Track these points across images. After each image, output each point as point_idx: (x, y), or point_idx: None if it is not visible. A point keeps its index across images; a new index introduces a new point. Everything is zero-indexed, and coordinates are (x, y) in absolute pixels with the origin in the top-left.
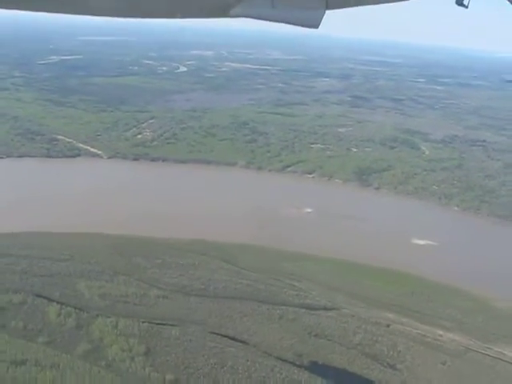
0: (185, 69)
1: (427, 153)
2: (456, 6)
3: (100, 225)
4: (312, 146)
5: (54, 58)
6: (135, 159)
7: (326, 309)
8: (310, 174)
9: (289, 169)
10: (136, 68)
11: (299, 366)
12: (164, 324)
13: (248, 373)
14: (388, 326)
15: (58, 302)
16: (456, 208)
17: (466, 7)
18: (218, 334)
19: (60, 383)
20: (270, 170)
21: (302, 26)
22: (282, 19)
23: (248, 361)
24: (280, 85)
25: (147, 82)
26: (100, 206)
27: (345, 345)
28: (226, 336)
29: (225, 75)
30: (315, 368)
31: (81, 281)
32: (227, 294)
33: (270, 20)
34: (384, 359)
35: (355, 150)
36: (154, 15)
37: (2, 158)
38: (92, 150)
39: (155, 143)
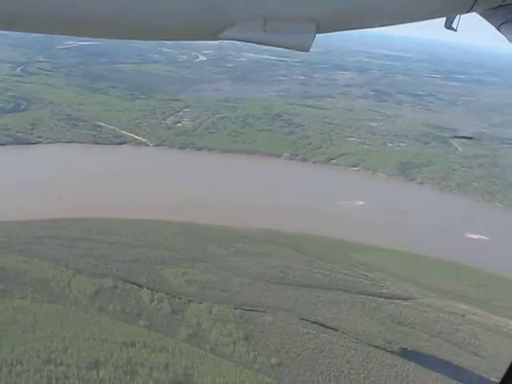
0: (204, 58)
1: (460, 150)
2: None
3: (166, 212)
4: (348, 139)
5: (72, 43)
6: (181, 148)
7: (401, 298)
8: (354, 167)
9: (333, 161)
10: (156, 56)
11: (391, 352)
12: (253, 310)
13: (346, 358)
14: (463, 315)
15: (147, 288)
16: (500, 205)
17: (455, 30)
18: (307, 320)
19: (174, 365)
20: (314, 162)
21: (293, 49)
22: (273, 43)
23: (342, 346)
24: (301, 77)
25: (171, 70)
26: (162, 194)
27: (428, 332)
28: (315, 323)
29: (246, 66)
30: (406, 354)
31: (164, 267)
32: (306, 283)
33: (261, 44)
34: (467, 347)
35: (390, 144)
36: (144, 37)
37: (51, 142)
38: (137, 137)
39: (197, 132)
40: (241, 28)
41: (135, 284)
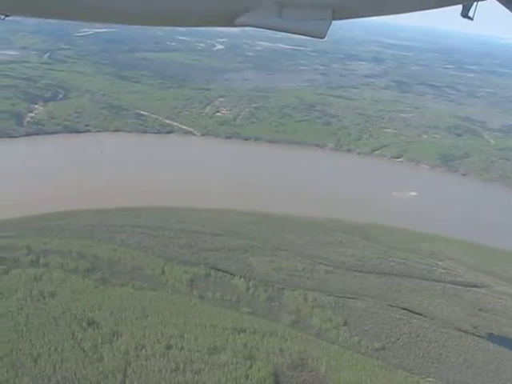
0: (221, 46)
1: (492, 142)
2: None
3: (234, 201)
4: (385, 130)
5: (88, 31)
6: (228, 137)
7: (477, 286)
8: (397, 158)
9: (376, 152)
10: (174, 44)
11: (479, 336)
12: (343, 297)
13: (441, 342)
14: None
15: (239, 276)
16: None
17: (472, 19)
18: (396, 306)
19: (287, 350)
20: (358, 153)
21: (309, 36)
22: (289, 29)
23: (435, 331)
24: (321, 67)
25: (194, 59)
26: (224, 183)
27: (510, 318)
28: (404, 309)
29: (264, 55)
30: (494, 338)
31: (248, 255)
32: (385, 271)
33: (277, 30)
34: None
35: (425, 136)
36: (158, 23)
37: (99, 131)
38: (182, 126)
39: (238, 122)
40: (256, 14)
41: (226, 272)
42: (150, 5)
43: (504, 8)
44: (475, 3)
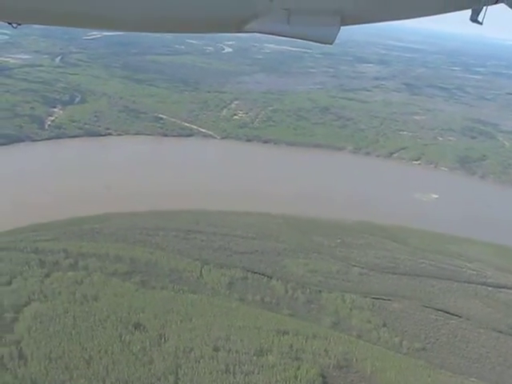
0: (230, 49)
1: (507, 144)
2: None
3: (261, 204)
4: (400, 132)
5: (96, 34)
6: (248, 140)
7: (507, 287)
8: (415, 160)
9: (394, 155)
10: (183, 47)
11: None
12: (379, 298)
13: (480, 342)
14: None
15: (276, 278)
16: None
17: (481, 24)
18: (431, 308)
19: (332, 351)
20: (377, 156)
21: (317, 42)
22: (297, 35)
23: (472, 332)
24: (330, 70)
25: (205, 62)
26: (251, 185)
27: None
28: (439, 310)
29: (273, 57)
30: None
31: (282, 258)
32: (417, 272)
33: (285, 36)
34: None
35: (441, 138)
36: (169, 30)
37: (120, 134)
38: (201, 129)
39: (256, 125)
40: (265, 20)
41: (263, 275)
42: (160, 12)
43: (507, 11)
44: (485, 8)
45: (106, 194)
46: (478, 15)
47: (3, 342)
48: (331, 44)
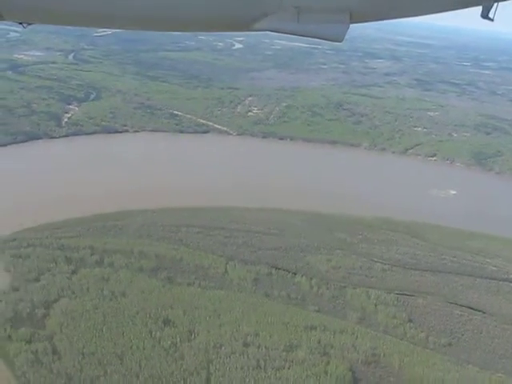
0: (240, 45)
1: None
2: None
3: (282, 200)
4: (415, 129)
5: (106, 30)
6: (264, 137)
7: None
8: (431, 157)
9: (410, 151)
10: (193, 43)
11: None
12: (403, 294)
13: (505, 338)
14: None
15: (301, 274)
16: None
17: (492, 20)
18: (455, 304)
19: (359, 346)
20: (393, 152)
21: (327, 39)
22: (307, 33)
23: (496, 327)
24: (341, 66)
25: (216, 58)
26: (271, 182)
27: None
28: (463, 306)
29: (283, 54)
30: None
31: (306, 254)
32: (439, 269)
33: (295, 34)
34: None
35: (455, 134)
36: (179, 28)
37: (137, 131)
38: (217, 126)
39: (270, 121)
40: (274, 19)
41: (287, 271)
42: (171, 11)
43: None
44: (495, 4)
45: (127, 190)
46: (488, 12)
47: (36, 337)
48: (341, 42)
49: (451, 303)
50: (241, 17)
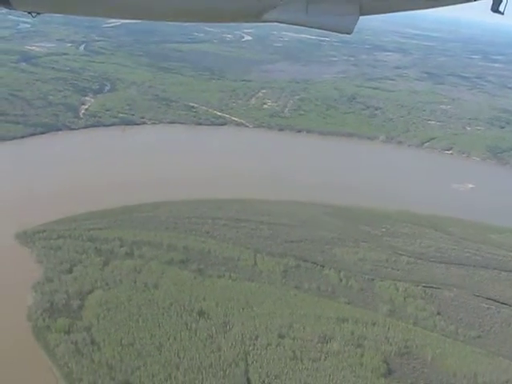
0: (249, 37)
1: None
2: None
3: (304, 193)
4: (429, 122)
5: (116, 22)
6: (280, 130)
7: None
8: (447, 150)
9: (426, 144)
10: (202, 35)
11: None
12: (430, 287)
13: None
14: None
15: (329, 267)
16: None
17: (502, 14)
18: (481, 296)
19: (392, 338)
20: (409, 146)
21: (336, 31)
22: (316, 25)
23: None
24: (351, 58)
25: (227, 50)
26: (293, 175)
27: None
28: (489, 299)
29: (292, 45)
30: None
31: (332, 247)
32: (463, 262)
33: (304, 25)
34: None
35: (469, 128)
36: (188, 18)
37: (155, 123)
38: (233, 118)
39: (286, 114)
40: (284, 10)
41: (315, 263)
42: (182, 2)
43: None
44: None
45: (153, 182)
46: (499, 5)
47: (75, 328)
48: (350, 34)
49: (477, 296)
50: (250, 7)
